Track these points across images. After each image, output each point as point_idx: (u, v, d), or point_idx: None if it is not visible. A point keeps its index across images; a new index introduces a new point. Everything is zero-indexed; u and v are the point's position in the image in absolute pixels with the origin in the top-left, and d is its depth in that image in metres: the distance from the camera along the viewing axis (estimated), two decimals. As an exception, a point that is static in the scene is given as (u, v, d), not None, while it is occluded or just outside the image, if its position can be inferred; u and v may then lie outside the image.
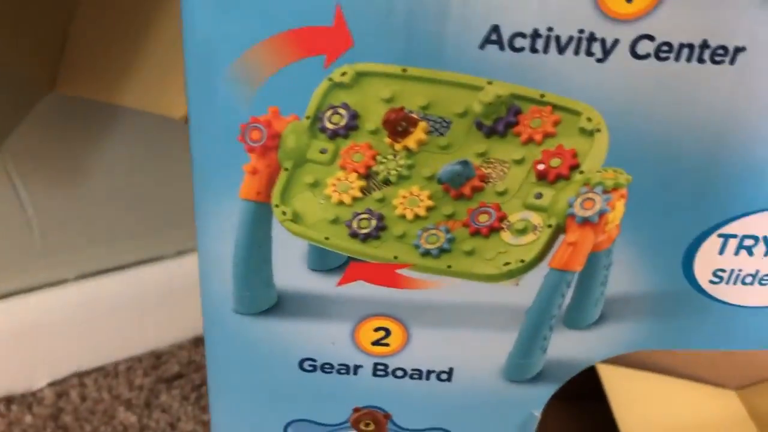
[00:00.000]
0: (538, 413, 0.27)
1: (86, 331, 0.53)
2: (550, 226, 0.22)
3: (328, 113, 0.21)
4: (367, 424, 0.27)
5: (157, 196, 0.52)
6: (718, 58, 0.20)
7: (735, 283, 0.24)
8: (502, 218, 0.22)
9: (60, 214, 0.50)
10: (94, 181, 0.50)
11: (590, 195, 0.22)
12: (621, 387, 0.52)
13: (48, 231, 0.49)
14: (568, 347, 0.25)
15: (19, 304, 0.50)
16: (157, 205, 0.52)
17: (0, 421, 0.50)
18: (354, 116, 0.21)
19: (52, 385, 0.53)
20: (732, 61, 0.20)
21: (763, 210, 0.22)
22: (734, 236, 0.23)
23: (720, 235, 0.23)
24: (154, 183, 0.52)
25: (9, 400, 0.51)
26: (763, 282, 0.24)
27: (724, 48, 0.20)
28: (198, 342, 0.57)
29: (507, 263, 0.23)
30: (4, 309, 0.50)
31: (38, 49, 0.43)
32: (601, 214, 0.22)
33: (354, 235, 0.22)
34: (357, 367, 0.25)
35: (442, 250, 0.23)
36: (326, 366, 0.25)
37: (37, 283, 0.51)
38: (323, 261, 0.23)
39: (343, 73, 0.20)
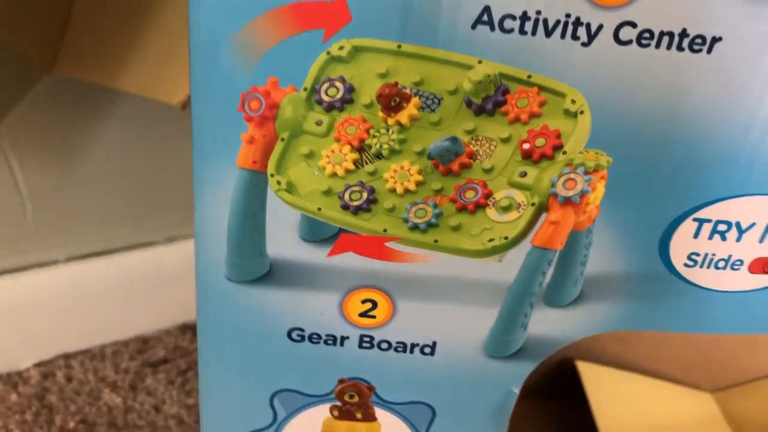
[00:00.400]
0: (517, 390, 0.27)
1: (74, 313, 0.53)
2: (533, 204, 0.23)
3: (325, 86, 0.22)
4: (351, 396, 0.28)
5: (150, 182, 0.53)
6: (696, 47, 0.21)
7: (708, 267, 0.25)
8: (488, 195, 0.23)
9: (54, 195, 0.50)
10: (88, 164, 0.50)
11: (572, 175, 0.23)
12: (600, 386, 0.53)
13: (41, 212, 0.50)
14: (548, 325, 0.26)
15: (8, 283, 0.50)
16: (149, 192, 0.53)
17: (-15, 399, 0.50)
18: (350, 90, 0.22)
19: (38, 365, 0.53)
20: (709, 50, 0.21)
21: (736, 196, 0.23)
22: (708, 221, 0.24)
23: (695, 219, 0.24)
24: (147, 169, 0.53)
25: (-5, 379, 0.52)
26: (735, 267, 0.25)
27: (702, 37, 0.21)
28: (185, 329, 0.57)
29: (491, 239, 0.24)
30: (-6, 288, 0.50)
31: (39, 30, 0.43)
32: (583, 194, 0.23)
33: (345, 206, 0.23)
34: (344, 339, 0.26)
35: (430, 225, 0.24)
36: (314, 336, 0.26)
37: (28, 262, 0.51)
38: (315, 231, 0.24)
39: (341, 47, 0.21)
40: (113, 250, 0.53)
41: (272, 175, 0.23)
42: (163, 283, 0.55)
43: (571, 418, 0.53)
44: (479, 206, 0.23)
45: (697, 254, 0.25)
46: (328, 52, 0.21)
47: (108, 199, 0.52)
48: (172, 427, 0.50)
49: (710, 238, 0.24)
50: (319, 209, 0.23)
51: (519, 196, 0.23)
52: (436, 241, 0.24)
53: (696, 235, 0.24)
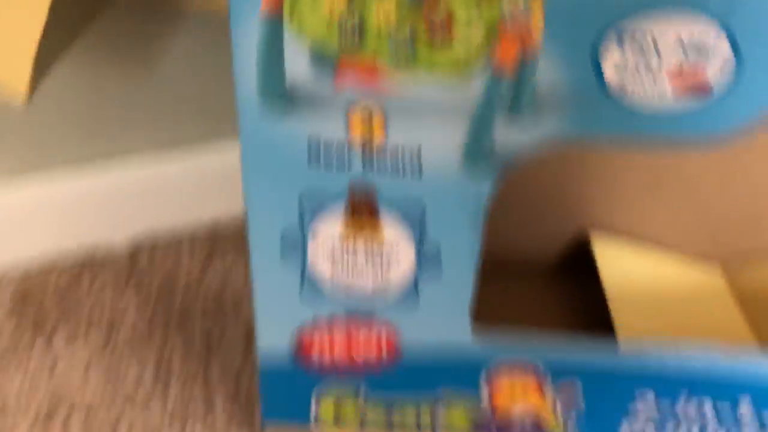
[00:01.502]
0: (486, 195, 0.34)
1: (157, 198, 0.63)
2: (487, 27, 0.30)
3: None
4: (359, 199, 0.35)
5: (220, 82, 0.61)
6: None
7: (633, 76, 0.31)
8: (451, 17, 0.30)
9: (136, 93, 0.59)
10: (163, 68, 0.59)
11: (516, 1, 0.29)
12: (612, 259, 0.58)
13: (126, 107, 0.59)
14: (509, 136, 0.32)
15: (102, 169, 0.60)
16: (219, 91, 0.62)
17: (84, 268, 0.61)
18: (339, -61, 0.29)
19: (127, 241, 0.63)
20: None
21: (652, 12, 0.29)
22: (629, 32, 0.30)
23: (617, 31, 0.30)
24: (214, 76, 0.61)
25: (93, 252, 0.62)
26: (658, 82, 0.31)
27: None
28: (249, 215, 0.66)
29: (458, 56, 0.30)
30: (89, 173, 0.60)
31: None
32: (525, 15, 0.29)
33: (343, 36, 0.31)
34: (350, 151, 0.34)
35: (409, 48, 0.30)
36: (327, 154, 0.34)
37: (117, 151, 0.61)
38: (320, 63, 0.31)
39: None
40: (188, 142, 0.63)
41: (286, 15, 0.30)
42: (233, 173, 0.64)
43: (584, 293, 0.59)
44: (446, 29, 0.30)
45: (623, 64, 0.30)
46: None
47: (183, 96, 0.61)
48: (241, 288, 0.59)
49: (632, 49, 0.30)
50: (323, 41, 0.31)
51: (476, 21, 0.30)
52: (415, 60, 0.31)
53: (620, 45, 0.30)
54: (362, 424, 0.45)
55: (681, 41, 0.29)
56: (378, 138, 0.33)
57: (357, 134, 0.33)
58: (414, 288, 0.38)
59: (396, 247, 0.36)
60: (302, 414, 0.45)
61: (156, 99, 0.60)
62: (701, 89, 0.31)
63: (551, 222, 0.57)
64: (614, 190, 0.55)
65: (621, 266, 0.58)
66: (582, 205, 0.57)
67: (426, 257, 0.36)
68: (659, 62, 0.30)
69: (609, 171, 0.54)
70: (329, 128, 0.33)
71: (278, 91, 0.32)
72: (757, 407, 0.42)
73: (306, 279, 0.38)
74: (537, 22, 0.29)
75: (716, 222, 0.58)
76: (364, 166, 0.34)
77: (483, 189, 0.34)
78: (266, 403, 0.45)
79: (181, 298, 0.58)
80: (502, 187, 0.55)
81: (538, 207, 0.56)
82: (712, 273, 0.59)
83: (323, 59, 0.31)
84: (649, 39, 0.30)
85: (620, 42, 0.30)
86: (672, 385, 0.42)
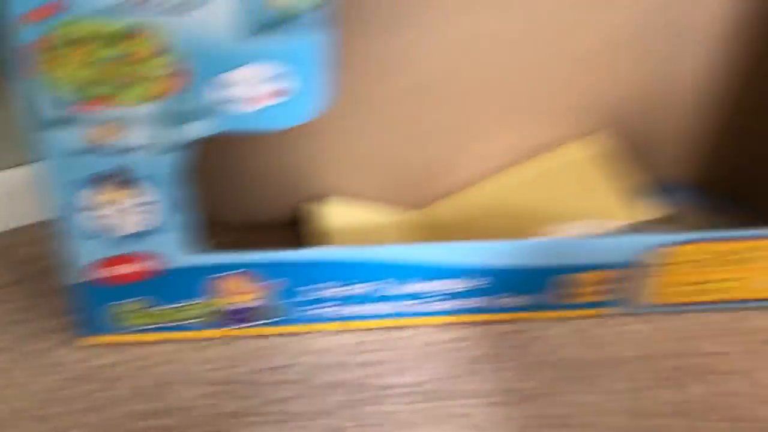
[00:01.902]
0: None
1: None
2: (151, 78, 0.55)
3: None
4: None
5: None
6: None
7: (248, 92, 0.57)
8: (135, 71, 0.55)
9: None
10: None
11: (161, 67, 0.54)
12: (329, 214, 0.79)
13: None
14: (180, 134, 0.58)
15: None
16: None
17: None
18: None
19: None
20: None
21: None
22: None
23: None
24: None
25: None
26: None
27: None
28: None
29: (141, 92, 0.55)
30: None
31: None
32: (169, 70, 0.55)
33: (83, 83, 0.55)
34: (103, 152, 0.58)
35: (119, 88, 0.55)
36: (87, 151, 0.58)
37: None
38: (72, 98, 0.56)
39: None
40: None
41: (43, 74, 0.55)
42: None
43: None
44: (133, 78, 0.55)
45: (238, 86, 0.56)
46: None
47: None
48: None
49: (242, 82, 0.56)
50: (72, 86, 0.55)
51: (149, 75, 0.55)
52: (123, 94, 0.56)
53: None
54: (152, 325, 0.70)
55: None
56: (114, 137, 0.58)
57: (101, 137, 0.58)
58: (160, 227, 0.63)
59: (140, 203, 0.61)
60: (104, 325, 0.69)
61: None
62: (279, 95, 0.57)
63: (281, 190, 0.82)
64: (326, 163, 0.80)
65: (336, 217, 0.80)
66: (306, 177, 0.81)
67: (159, 207, 0.62)
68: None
69: (318, 150, 0.79)
70: (83, 135, 0.58)
71: (45, 118, 0.57)
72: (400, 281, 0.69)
73: (88, 229, 0.62)
74: (173, 72, 0.55)
75: (414, 167, 0.80)
76: (111, 155, 0.59)
77: (175, 164, 0.59)
78: (78, 318, 0.69)
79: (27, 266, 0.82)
80: (250, 166, 0.79)
81: (270, 180, 0.81)
82: (405, 214, 0.83)
83: (75, 96, 0.56)
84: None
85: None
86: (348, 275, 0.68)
